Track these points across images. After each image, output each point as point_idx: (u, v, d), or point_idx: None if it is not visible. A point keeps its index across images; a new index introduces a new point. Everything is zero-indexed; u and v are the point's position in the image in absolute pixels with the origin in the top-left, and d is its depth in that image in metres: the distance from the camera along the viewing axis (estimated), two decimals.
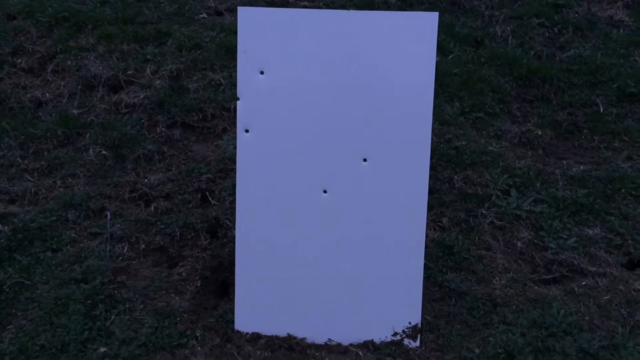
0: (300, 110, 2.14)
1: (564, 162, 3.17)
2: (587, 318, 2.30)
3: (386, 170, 2.15)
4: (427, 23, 2.06)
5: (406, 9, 4.22)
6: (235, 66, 2.05)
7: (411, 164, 2.14)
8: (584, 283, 2.47)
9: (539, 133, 3.36)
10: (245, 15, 2.11)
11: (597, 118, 3.47)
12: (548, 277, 2.52)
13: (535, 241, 2.66)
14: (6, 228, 2.67)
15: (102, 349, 2.14)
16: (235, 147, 2.20)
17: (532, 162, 3.13)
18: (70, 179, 3.01)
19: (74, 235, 2.67)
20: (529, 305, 2.36)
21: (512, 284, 2.46)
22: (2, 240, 2.59)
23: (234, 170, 3.02)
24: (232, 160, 3.07)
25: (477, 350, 2.16)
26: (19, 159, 3.15)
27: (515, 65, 3.81)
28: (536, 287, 2.46)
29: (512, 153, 3.20)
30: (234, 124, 3.41)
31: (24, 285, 2.40)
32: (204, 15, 4.22)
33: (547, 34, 4.19)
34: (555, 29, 4.21)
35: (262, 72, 2.14)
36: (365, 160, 2.15)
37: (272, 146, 2.16)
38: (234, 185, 2.88)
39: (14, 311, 2.31)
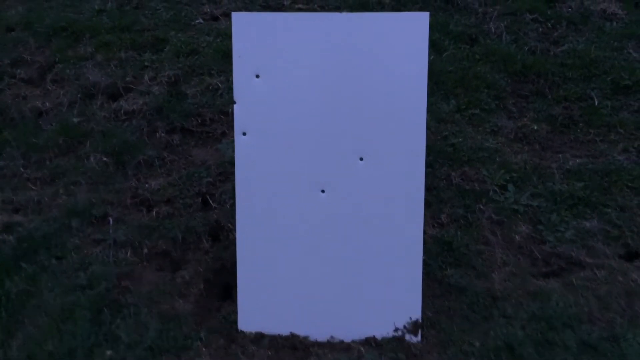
0: (296, 112, 2.18)
1: (560, 156, 3.20)
2: (586, 310, 2.33)
3: (382, 168, 2.18)
4: (418, 23, 2.09)
5: (400, 9, 4.25)
6: (232, 70, 2.09)
7: (407, 162, 2.17)
8: (582, 275, 2.50)
9: (535, 128, 3.38)
10: (239, 21, 2.14)
11: (593, 111, 3.49)
12: (547, 270, 2.55)
13: (534, 235, 2.69)
14: (11, 237, 2.71)
15: (109, 353, 2.17)
16: (234, 151, 2.24)
17: (529, 157, 3.16)
18: (72, 187, 3.05)
19: (77, 242, 2.70)
20: (528, 298, 2.38)
21: (512, 278, 2.49)
22: (7, 250, 2.63)
23: (233, 174, 3.04)
24: (232, 163, 3.09)
25: (477, 344, 2.19)
26: (21, 169, 3.19)
27: (509, 61, 3.83)
28: (535, 281, 2.49)
29: (509, 148, 3.23)
30: (233, 127, 3.44)
31: (30, 293, 2.44)
32: (200, 20, 4.25)
33: (540, 29, 4.21)
34: (549, 24, 4.23)
35: (257, 76, 2.17)
36: (361, 159, 2.18)
37: (269, 148, 2.20)
38: (234, 188, 2.91)
39: (21, 318, 2.34)
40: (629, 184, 2.94)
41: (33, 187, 3.08)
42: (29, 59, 3.96)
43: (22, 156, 3.27)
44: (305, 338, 2.26)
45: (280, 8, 4.33)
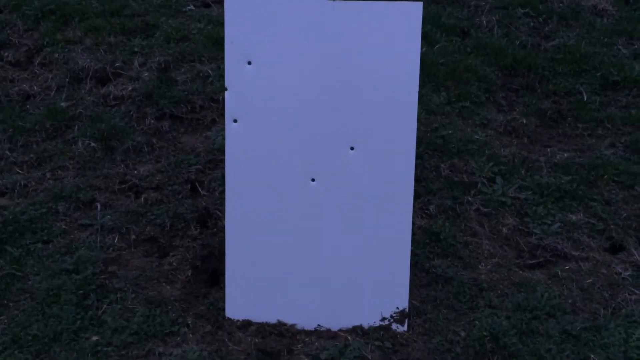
0: (288, 99, 2.17)
1: (548, 149, 3.22)
2: (570, 301, 2.36)
3: (373, 158, 2.18)
4: (411, 12, 2.09)
5: None
6: (223, 58, 2.09)
7: (397, 152, 2.18)
8: (567, 267, 2.53)
9: (524, 121, 3.41)
10: (232, 6, 2.13)
11: (581, 106, 3.53)
12: (532, 261, 2.57)
13: (520, 227, 2.72)
14: None
15: (95, 338, 2.17)
16: (224, 138, 2.23)
17: (517, 150, 3.18)
18: (59, 171, 3.02)
19: (64, 226, 2.68)
20: (513, 289, 2.41)
21: (498, 269, 2.51)
22: None
23: (223, 161, 3.04)
24: (221, 151, 3.09)
25: (463, 334, 2.21)
26: (7, 152, 3.16)
27: (500, 54, 3.85)
28: (521, 272, 2.51)
29: (498, 141, 3.25)
30: (223, 115, 3.41)
31: (16, 277, 2.42)
32: (191, 7, 4.22)
33: (532, 23, 4.23)
34: (540, 19, 4.26)
35: (249, 63, 2.16)
36: (352, 148, 2.19)
37: (260, 136, 2.19)
38: (223, 176, 2.90)
39: (5, 302, 2.33)
40: (615, 179, 2.98)
41: (19, 171, 3.05)
42: (17, 41, 3.91)
43: (8, 139, 3.24)
44: (293, 326, 2.26)
45: None
